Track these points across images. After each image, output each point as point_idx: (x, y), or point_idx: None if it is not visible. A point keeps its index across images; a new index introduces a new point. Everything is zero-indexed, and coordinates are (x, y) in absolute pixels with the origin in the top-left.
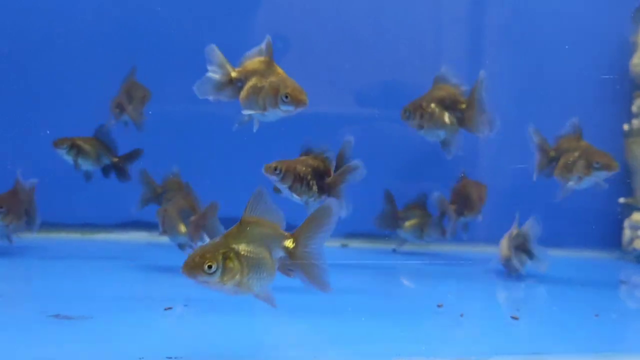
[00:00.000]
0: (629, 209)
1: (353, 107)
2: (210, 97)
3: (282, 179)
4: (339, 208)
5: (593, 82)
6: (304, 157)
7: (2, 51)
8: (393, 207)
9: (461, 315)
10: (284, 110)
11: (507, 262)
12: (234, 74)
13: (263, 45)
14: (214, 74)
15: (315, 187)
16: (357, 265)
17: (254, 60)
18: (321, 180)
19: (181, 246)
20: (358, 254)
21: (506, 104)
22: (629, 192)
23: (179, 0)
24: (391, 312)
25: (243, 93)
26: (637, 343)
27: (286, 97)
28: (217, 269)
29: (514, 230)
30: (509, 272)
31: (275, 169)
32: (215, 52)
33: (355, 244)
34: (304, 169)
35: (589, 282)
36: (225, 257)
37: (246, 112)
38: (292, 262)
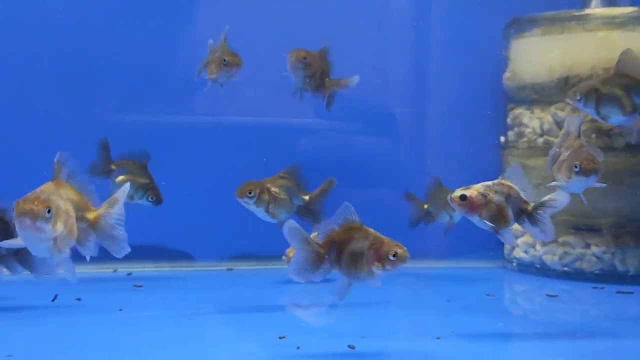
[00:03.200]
0: None
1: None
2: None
3: None
4: None
5: (470, 95)
6: None
7: None
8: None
9: (298, 348)
10: None
11: None
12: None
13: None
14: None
15: None
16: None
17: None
18: None
19: None
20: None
21: (385, 114)
22: None
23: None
24: None
25: None
26: None
27: None
28: (254, 196)
29: None
30: None
31: None
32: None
33: (242, 266)
34: None
35: (454, 297)
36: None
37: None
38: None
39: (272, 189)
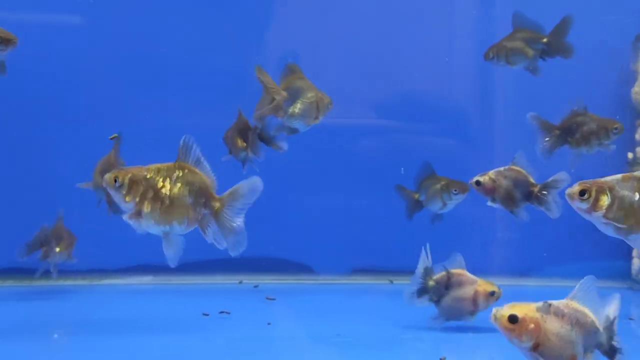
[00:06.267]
0: None
1: (371, 118)
2: None
3: None
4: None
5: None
6: None
7: None
8: None
9: None
10: None
11: None
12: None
13: None
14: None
15: None
16: None
17: None
18: None
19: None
20: None
21: (511, 130)
22: None
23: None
24: None
25: None
26: None
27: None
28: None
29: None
30: None
31: None
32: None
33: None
34: None
35: None
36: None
37: None
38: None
39: None
